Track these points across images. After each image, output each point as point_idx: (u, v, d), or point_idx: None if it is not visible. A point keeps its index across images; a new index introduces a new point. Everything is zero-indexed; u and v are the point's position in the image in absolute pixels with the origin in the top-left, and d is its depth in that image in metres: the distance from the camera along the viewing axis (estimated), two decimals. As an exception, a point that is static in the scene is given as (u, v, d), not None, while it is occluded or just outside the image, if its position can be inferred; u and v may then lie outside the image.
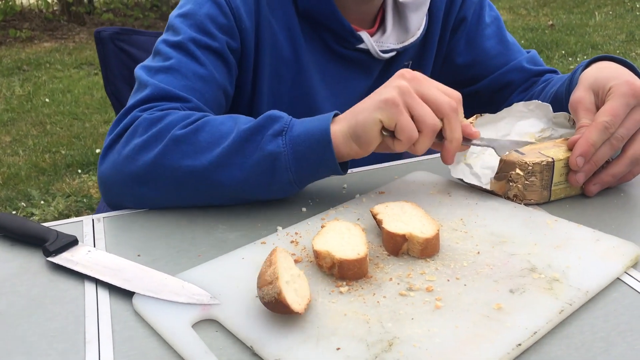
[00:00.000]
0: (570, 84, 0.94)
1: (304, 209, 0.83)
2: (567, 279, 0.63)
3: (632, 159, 0.79)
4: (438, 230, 0.69)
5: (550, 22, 5.59)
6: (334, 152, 0.76)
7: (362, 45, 1.04)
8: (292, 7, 1.01)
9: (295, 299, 0.58)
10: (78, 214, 2.77)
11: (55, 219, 2.71)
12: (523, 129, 0.91)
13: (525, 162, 0.78)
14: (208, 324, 0.61)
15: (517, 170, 0.79)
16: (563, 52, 4.78)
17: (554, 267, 0.65)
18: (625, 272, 0.66)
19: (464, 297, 0.61)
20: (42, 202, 2.83)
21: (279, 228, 0.77)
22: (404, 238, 0.68)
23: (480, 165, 0.88)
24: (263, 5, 0.98)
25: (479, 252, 0.69)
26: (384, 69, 1.11)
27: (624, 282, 0.65)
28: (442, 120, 0.75)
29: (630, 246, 0.68)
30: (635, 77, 0.81)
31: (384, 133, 0.76)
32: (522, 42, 4.97)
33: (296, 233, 0.75)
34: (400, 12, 1.06)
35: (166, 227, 0.80)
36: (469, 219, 0.76)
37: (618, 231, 0.73)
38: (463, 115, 0.79)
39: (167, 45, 0.94)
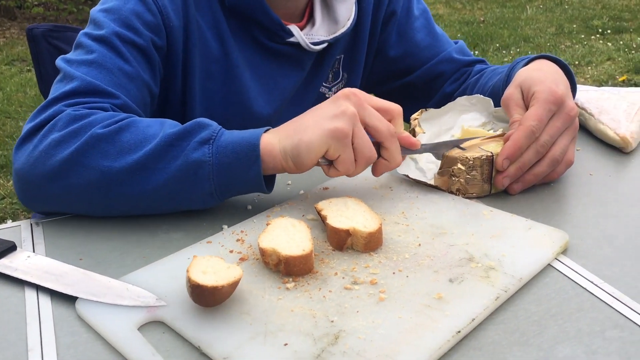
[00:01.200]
0: (507, 80, 0.98)
1: (249, 207, 0.83)
2: (502, 267, 0.66)
3: (552, 160, 0.83)
4: (380, 225, 0.71)
5: (482, 19, 5.75)
6: (261, 167, 0.75)
7: (292, 39, 1.04)
8: (218, 4, 1.00)
9: (209, 278, 0.59)
10: (14, 217, 2.67)
11: (-12, 220, 2.61)
12: (466, 123, 0.94)
13: (467, 157, 0.81)
14: (154, 326, 0.61)
15: (459, 165, 0.82)
16: (497, 45, 4.93)
17: (490, 256, 0.68)
18: (555, 258, 0.70)
19: (407, 288, 0.63)
20: (-26, 205, 2.71)
21: (225, 227, 0.78)
22: (347, 233, 0.70)
23: (425, 160, 0.91)
24: (190, 3, 0.96)
25: (420, 244, 0.71)
26: (316, 62, 1.11)
27: (555, 268, 0.68)
28: (381, 143, 0.78)
29: (560, 234, 0.72)
30: (559, 84, 0.85)
31: (321, 160, 0.76)
32: (459, 35, 5.10)
33: (242, 231, 0.75)
34: (327, 4, 1.07)
35: (109, 230, 0.79)
36: (410, 212, 0.79)
37: (549, 220, 0.77)
38: (402, 127, 0.80)
39: (90, 39, 0.90)
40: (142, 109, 0.92)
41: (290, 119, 1.12)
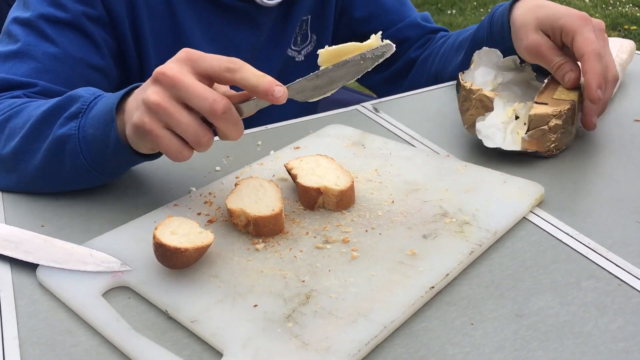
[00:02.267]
0: (491, 28, 0.95)
1: (217, 168, 0.81)
2: (476, 222, 0.65)
3: (614, 80, 0.83)
4: (352, 182, 0.69)
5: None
6: (117, 130, 0.66)
7: None
8: None
9: (175, 239, 0.57)
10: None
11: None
12: (482, 79, 0.90)
13: (560, 111, 0.77)
14: (119, 291, 0.59)
15: (554, 121, 0.77)
16: (475, 3, 4.88)
17: (465, 210, 0.67)
18: (530, 211, 0.69)
19: (379, 245, 0.62)
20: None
21: (193, 189, 0.75)
22: (318, 191, 0.68)
23: (486, 125, 0.80)
24: None
25: (393, 201, 0.70)
26: (277, 22, 1.06)
27: (530, 221, 0.67)
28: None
29: (535, 186, 0.71)
30: (568, 7, 0.85)
31: None
32: (436, -6, 5.04)
33: (210, 193, 0.73)
34: None
35: (72, 195, 0.75)
36: (384, 169, 0.77)
37: (524, 173, 0.76)
38: (252, 76, 0.61)
39: (17, 24, 0.86)
40: (81, 85, 0.83)
41: None
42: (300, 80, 0.66)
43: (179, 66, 0.61)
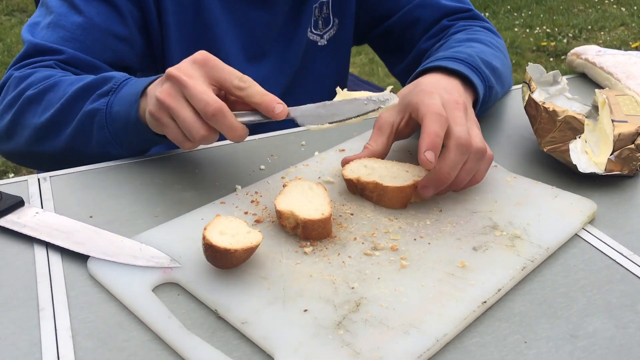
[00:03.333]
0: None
1: (262, 167, 0.81)
2: (528, 236, 0.64)
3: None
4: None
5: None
6: (138, 110, 0.75)
7: None
8: None
9: (225, 240, 0.57)
10: (16, 171, 2.65)
11: (-9, 175, 2.59)
12: (538, 97, 0.85)
13: None
14: (169, 287, 0.59)
15: None
16: (508, 7, 4.82)
17: (515, 224, 0.66)
18: (582, 228, 0.68)
19: (429, 255, 0.61)
20: (-24, 158, 2.69)
21: (238, 187, 0.75)
22: (412, 187, 0.69)
23: (577, 149, 0.77)
24: None
25: (441, 210, 0.69)
26: (295, 5, 1.05)
27: (582, 239, 0.66)
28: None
29: (587, 203, 0.70)
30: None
31: None
32: (469, -4, 4.99)
33: (256, 192, 0.73)
34: None
35: (118, 187, 0.76)
36: (430, 176, 0.76)
37: (575, 188, 0.74)
38: (258, 94, 0.68)
39: None
40: (109, 55, 0.93)
41: (277, 68, 1.08)
42: (307, 105, 0.70)
43: (193, 68, 0.69)
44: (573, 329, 0.54)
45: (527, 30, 4.35)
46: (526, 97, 0.82)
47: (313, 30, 1.09)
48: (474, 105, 0.83)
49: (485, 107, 0.89)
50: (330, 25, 1.11)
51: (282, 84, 1.10)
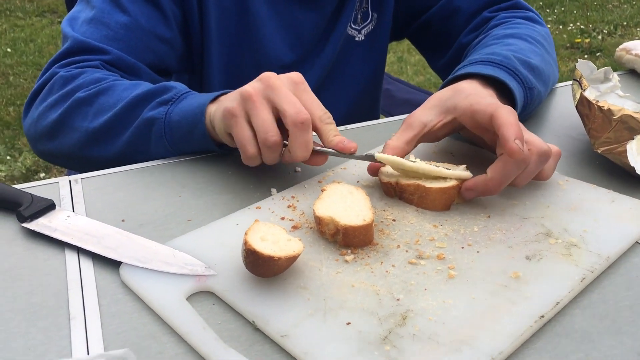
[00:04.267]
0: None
1: (298, 169, 0.78)
2: (585, 244, 0.60)
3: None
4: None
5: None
6: (205, 126, 0.74)
7: None
8: None
9: (267, 247, 0.54)
10: (47, 170, 2.67)
11: (23, 175, 2.61)
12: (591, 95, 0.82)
13: None
14: (203, 296, 0.56)
15: None
16: (541, 3, 4.72)
17: (570, 231, 0.62)
18: (644, 236, 0.63)
19: (478, 265, 0.58)
20: (8, 157, 2.72)
21: (273, 190, 0.72)
22: (456, 187, 0.66)
23: (634, 150, 0.73)
24: None
25: (489, 216, 0.65)
26: (339, 5, 1.02)
27: (644, 247, 0.62)
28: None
29: (647, 208, 0.65)
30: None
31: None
32: (500, -8, 4.89)
33: (293, 197, 0.70)
34: None
35: (151, 189, 0.74)
36: (475, 179, 0.72)
37: (633, 191, 0.70)
38: (335, 131, 0.70)
39: None
40: (150, 57, 0.91)
41: (317, 65, 1.05)
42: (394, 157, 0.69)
43: (285, 80, 0.69)
44: (640, 347, 0.50)
45: (561, 27, 4.25)
46: (577, 96, 0.77)
47: (352, 25, 1.06)
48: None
49: (530, 109, 0.85)
50: (368, 20, 1.08)
51: (317, 80, 1.07)
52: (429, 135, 0.74)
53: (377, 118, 1.09)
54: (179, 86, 0.80)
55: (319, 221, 0.62)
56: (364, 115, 1.13)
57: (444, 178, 0.67)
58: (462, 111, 0.70)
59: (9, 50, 3.99)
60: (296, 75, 0.70)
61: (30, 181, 0.78)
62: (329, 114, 0.70)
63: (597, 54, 3.78)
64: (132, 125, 0.79)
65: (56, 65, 0.87)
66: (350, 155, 0.70)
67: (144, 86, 0.81)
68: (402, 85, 1.63)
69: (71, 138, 0.83)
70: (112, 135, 0.80)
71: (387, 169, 0.70)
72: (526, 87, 0.81)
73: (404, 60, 3.74)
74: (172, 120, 0.77)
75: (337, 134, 0.70)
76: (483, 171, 0.66)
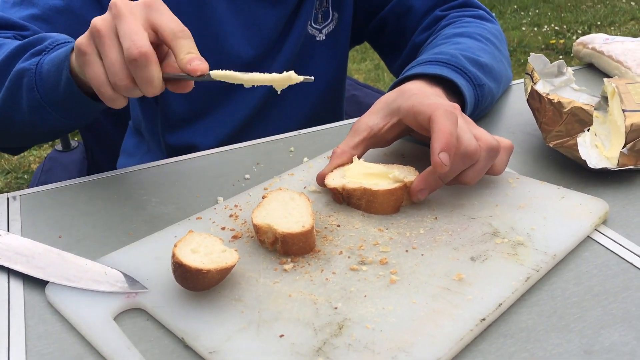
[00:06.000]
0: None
1: (247, 176, 0.75)
2: (532, 242, 0.58)
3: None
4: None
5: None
6: (69, 69, 0.67)
7: None
8: None
9: (197, 259, 0.52)
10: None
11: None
12: (542, 89, 0.80)
13: None
14: (136, 314, 0.53)
15: None
16: (515, 6, 4.74)
17: (518, 229, 0.60)
18: (595, 229, 0.61)
19: (422, 268, 0.55)
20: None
21: (220, 199, 0.70)
22: (403, 189, 0.65)
23: (585, 143, 0.72)
24: None
25: (436, 218, 0.63)
26: (299, 3, 1.01)
27: (595, 241, 0.60)
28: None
29: (598, 202, 0.63)
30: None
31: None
32: (475, -3, 4.91)
33: (236, 206, 0.67)
34: None
35: (92, 203, 0.71)
36: (425, 180, 0.70)
37: (583, 187, 0.68)
38: (189, 48, 0.62)
39: None
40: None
41: (277, 63, 1.03)
42: (228, 71, 0.63)
43: (136, 5, 0.61)
44: (588, 343, 0.48)
45: (535, 29, 4.27)
46: (529, 89, 0.76)
47: (313, 24, 1.05)
48: (464, 108, 0.77)
49: (482, 106, 0.83)
50: (329, 20, 1.06)
51: None
52: (378, 139, 0.72)
53: (341, 120, 1.07)
54: (59, 37, 0.74)
55: (257, 230, 0.59)
56: (327, 117, 1.11)
57: (391, 180, 0.65)
58: (406, 112, 0.68)
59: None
60: (124, 2, 0.61)
61: None
62: (184, 29, 0.62)
63: (572, 55, 3.80)
64: (7, 80, 0.73)
65: None
66: (199, 78, 0.61)
67: (24, 40, 0.75)
68: (369, 91, 1.62)
69: None
70: None
71: (334, 174, 0.68)
72: (475, 85, 0.79)
73: (381, 67, 3.74)
74: (42, 70, 0.70)
75: (190, 51, 0.61)
76: None
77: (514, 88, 0.98)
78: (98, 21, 0.61)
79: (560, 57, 3.78)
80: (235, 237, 0.62)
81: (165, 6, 0.62)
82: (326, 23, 1.06)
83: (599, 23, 4.30)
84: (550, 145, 0.71)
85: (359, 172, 0.66)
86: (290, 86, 1.06)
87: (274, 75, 0.62)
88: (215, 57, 0.96)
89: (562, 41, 3.98)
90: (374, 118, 0.72)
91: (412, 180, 0.65)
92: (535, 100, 0.74)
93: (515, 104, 0.92)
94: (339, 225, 0.63)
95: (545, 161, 0.75)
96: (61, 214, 0.70)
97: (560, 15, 4.48)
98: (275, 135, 0.87)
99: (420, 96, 0.69)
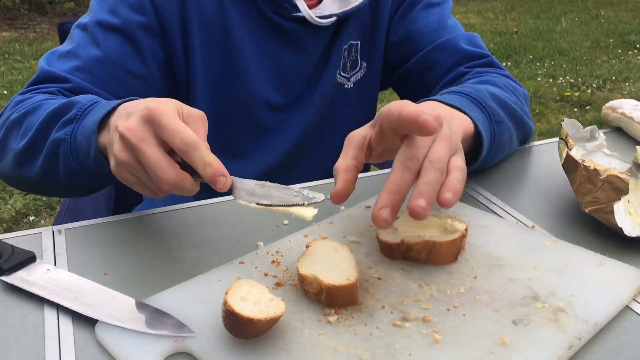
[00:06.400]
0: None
1: (285, 222, 0.77)
2: (572, 309, 0.59)
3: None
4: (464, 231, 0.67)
5: (515, 30, 5.63)
6: (96, 141, 0.70)
7: (298, 14, 0.96)
8: None
9: (248, 307, 0.53)
10: (37, 213, 2.65)
11: (13, 217, 2.59)
12: (577, 154, 0.82)
13: None
14: (182, 358, 0.55)
15: None
16: (531, 57, 4.82)
17: (558, 295, 0.61)
18: (633, 299, 0.62)
19: (464, 329, 0.56)
20: (-2, 199, 2.70)
21: (260, 244, 0.72)
22: (462, 238, 0.67)
23: (621, 211, 0.72)
24: None
25: (475, 277, 0.64)
26: (328, 46, 1.03)
27: (634, 311, 0.61)
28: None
29: (636, 272, 0.65)
30: None
31: None
32: (491, 45, 5.00)
33: (277, 252, 0.69)
34: None
35: (136, 241, 0.73)
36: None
37: (620, 255, 0.69)
38: (204, 157, 0.61)
39: (78, 28, 0.94)
40: (120, 91, 0.91)
41: (306, 110, 1.06)
42: (249, 181, 0.66)
43: (142, 129, 0.62)
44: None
45: (550, 80, 4.33)
46: (564, 155, 0.78)
47: (341, 73, 1.07)
48: (480, 143, 0.78)
49: (500, 146, 0.83)
50: (357, 68, 1.09)
51: (305, 126, 1.07)
52: (370, 149, 0.71)
53: (368, 170, 1.09)
54: (82, 100, 0.77)
55: (302, 279, 0.61)
56: None
57: (450, 230, 0.66)
58: (383, 117, 0.66)
59: (5, 92, 4.01)
60: (148, 112, 0.62)
61: (19, 224, 0.78)
62: (188, 140, 0.61)
63: (587, 107, 3.84)
64: (45, 147, 0.78)
65: (18, 94, 0.89)
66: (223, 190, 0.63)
67: (55, 104, 0.78)
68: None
69: (8, 159, 0.84)
70: (30, 158, 0.80)
71: (385, 230, 0.68)
72: (492, 120, 0.80)
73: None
74: (76, 141, 0.74)
75: (206, 163, 0.61)
76: None
77: (544, 148, 1.00)
78: (121, 155, 0.63)
79: (575, 109, 3.82)
80: (278, 285, 0.63)
81: (165, 114, 0.62)
82: (355, 72, 1.09)
83: (613, 78, 4.36)
84: (586, 210, 0.73)
85: (409, 225, 0.68)
86: (318, 132, 1.09)
87: (294, 208, 0.64)
88: (240, 97, 1.00)
89: (576, 94, 4.03)
90: (365, 128, 0.71)
91: (465, 229, 0.66)
92: (570, 166, 0.76)
93: (547, 165, 0.94)
94: (379, 278, 0.64)
95: (581, 225, 0.76)
96: (106, 250, 0.72)
97: (575, 68, 4.55)
98: (310, 182, 0.89)
99: (401, 103, 0.64)
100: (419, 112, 0.60)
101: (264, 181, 0.66)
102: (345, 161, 0.68)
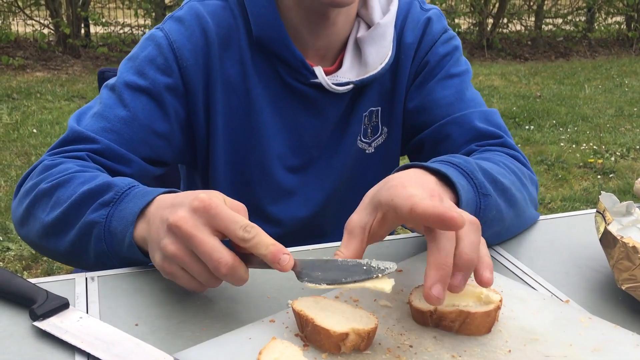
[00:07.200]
0: None
1: (317, 282, 0.77)
2: (611, 391, 0.58)
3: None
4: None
5: (539, 94, 5.67)
6: (132, 234, 0.73)
7: (316, 80, 0.99)
8: (246, 39, 0.99)
9: None
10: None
11: (32, 255, 2.61)
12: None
13: None
14: (212, 417, 0.54)
15: None
16: (554, 121, 4.84)
17: (595, 374, 0.60)
18: (672, 385, 0.61)
19: (500, 405, 0.55)
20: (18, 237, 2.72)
21: (290, 302, 0.71)
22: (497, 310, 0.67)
23: None
24: (212, 40, 0.97)
25: (510, 350, 0.63)
26: (346, 111, 1.05)
27: (673, 399, 0.59)
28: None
29: (674, 355, 0.63)
30: None
31: None
32: (514, 108, 5.03)
33: (309, 312, 0.69)
34: (359, 48, 1.02)
35: (167, 294, 0.73)
36: (495, 308, 0.71)
37: (656, 335, 0.68)
38: (263, 242, 0.64)
39: (107, 88, 0.97)
40: (146, 150, 0.95)
41: (328, 174, 1.08)
42: (312, 260, 0.67)
43: (194, 219, 0.64)
44: None
45: (574, 146, 4.33)
46: (601, 229, 0.77)
47: (362, 139, 1.09)
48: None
49: (486, 219, 0.80)
50: (378, 134, 1.10)
51: (326, 190, 1.08)
52: (373, 237, 0.72)
53: (390, 233, 1.09)
54: (120, 183, 0.79)
55: (338, 338, 0.60)
56: None
57: (485, 301, 0.66)
58: (387, 207, 0.68)
59: (34, 131, 4.11)
60: (199, 202, 0.65)
61: (38, 262, 0.78)
62: (250, 228, 0.64)
63: (611, 175, 3.82)
64: (76, 226, 0.79)
65: (47, 153, 0.91)
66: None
67: (91, 183, 0.80)
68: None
69: (34, 227, 0.85)
70: (60, 232, 0.81)
71: (419, 297, 0.68)
72: (479, 192, 0.79)
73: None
74: (111, 227, 0.76)
75: (267, 245, 0.63)
76: None
77: (579, 219, 0.99)
78: (171, 247, 0.65)
79: (599, 176, 3.80)
80: (307, 346, 0.63)
81: (218, 204, 0.65)
82: (376, 137, 1.10)
83: (637, 147, 4.35)
84: (623, 287, 0.72)
85: None
86: (339, 196, 1.09)
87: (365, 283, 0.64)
88: (257, 155, 1.03)
89: (600, 161, 4.01)
90: (363, 216, 0.71)
91: (500, 300, 0.66)
92: (608, 241, 0.75)
93: (581, 237, 0.93)
94: (411, 346, 0.64)
95: (616, 301, 0.75)
96: (138, 300, 0.72)
97: (598, 134, 4.55)
98: (335, 242, 0.89)
99: (399, 187, 0.68)
100: (440, 209, 0.61)
101: (326, 258, 0.67)
102: (346, 253, 0.69)
